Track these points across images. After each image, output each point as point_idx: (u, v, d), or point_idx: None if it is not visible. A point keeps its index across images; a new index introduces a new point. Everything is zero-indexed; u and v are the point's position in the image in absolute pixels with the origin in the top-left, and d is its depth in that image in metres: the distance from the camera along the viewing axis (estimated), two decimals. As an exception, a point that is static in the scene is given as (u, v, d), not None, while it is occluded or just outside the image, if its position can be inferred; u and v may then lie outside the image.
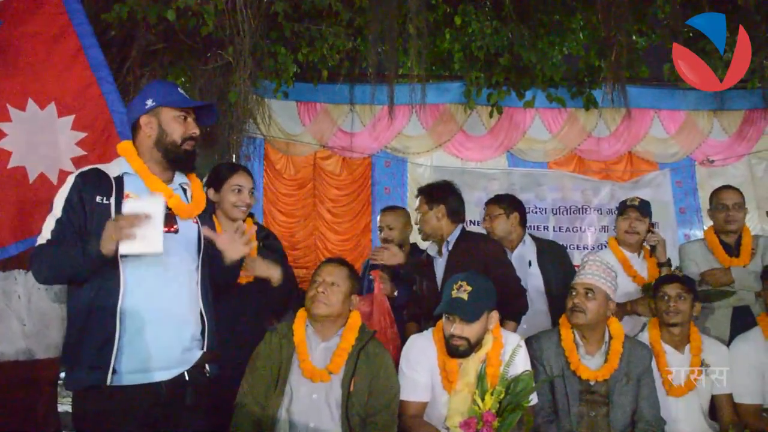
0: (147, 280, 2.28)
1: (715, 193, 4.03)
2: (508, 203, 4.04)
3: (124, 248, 2.15)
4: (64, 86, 3.29)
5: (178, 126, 2.40)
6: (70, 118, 3.28)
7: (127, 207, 2.20)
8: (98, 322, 2.23)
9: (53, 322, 4.18)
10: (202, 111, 2.50)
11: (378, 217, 4.48)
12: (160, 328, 2.28)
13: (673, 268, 3.88)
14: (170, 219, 2.33)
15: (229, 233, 2.50)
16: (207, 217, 2.58)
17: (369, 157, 7.39)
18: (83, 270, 2.23)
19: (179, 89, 2.47)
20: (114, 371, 2.20)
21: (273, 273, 2.95)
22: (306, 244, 7.18)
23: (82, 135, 3.29)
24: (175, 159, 2.42)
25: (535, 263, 3.93)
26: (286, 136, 7.20)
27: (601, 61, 6.65)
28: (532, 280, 3.88)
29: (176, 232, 2.36)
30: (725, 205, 3.91)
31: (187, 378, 2.33)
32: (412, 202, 4.05)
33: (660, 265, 3.86)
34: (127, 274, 2.25)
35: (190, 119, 2.43)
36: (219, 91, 5.59)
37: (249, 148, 6.64)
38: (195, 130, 2.43)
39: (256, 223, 3.39)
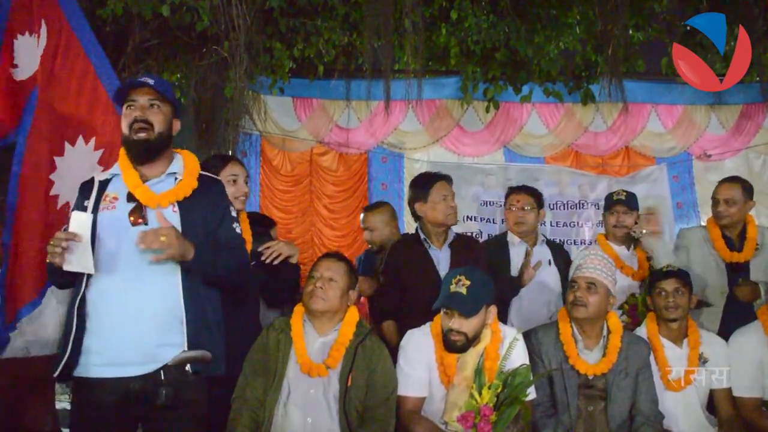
0: (111, 273, 2.29)
1: (717, 186, 3.95)
2: (537, 198, 4.01)
3: (66, 265, 2.24)
4: (84, 113, 3.31)
5: (125, 118, 2.40)
6: (93, 141, 3.31)
7: (72, 220, 2.27)
8: (68, 314, 2.33)
9: (50, 319, 4.16)
10: (158, 88, 2.45)
11: (361, 217, 4.50)
12: (124, 322, 2.27)
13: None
14: (136, 212, 2.35)
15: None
16: (209, 204, 2.50)
17: (365, 153, 7.37)
18: (57, 276, 2.35)
19: (131, 81, 2.48)
20: (77, 363, 2.27)
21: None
22: (303, 240, 7.15)
23: (100, 152, 3.31)
24: (131, 151, 2.42)
25: (553, 263, 3.92)
26: (282, 132, 7.18)
27: (598, 56, 6.62)
28: (550, 279, 3.86)
29: (145, 224, 2.34)
30: (716, 199, 3.86)
31: (162, 376, 2.29)
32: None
33: (650, 258, 3.85)
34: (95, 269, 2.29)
35: (137, 104, 2.39)
36: (215, 87, 5.58)
37: (245, 144, 6.62)
38: (137, 113, 2.38)
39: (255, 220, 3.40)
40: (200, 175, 2.53)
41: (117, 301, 2.28)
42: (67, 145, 3.26)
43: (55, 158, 3.24)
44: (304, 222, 7.26)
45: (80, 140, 3.28)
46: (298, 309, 2.92)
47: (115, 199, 2.39)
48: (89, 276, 2.30)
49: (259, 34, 5.35)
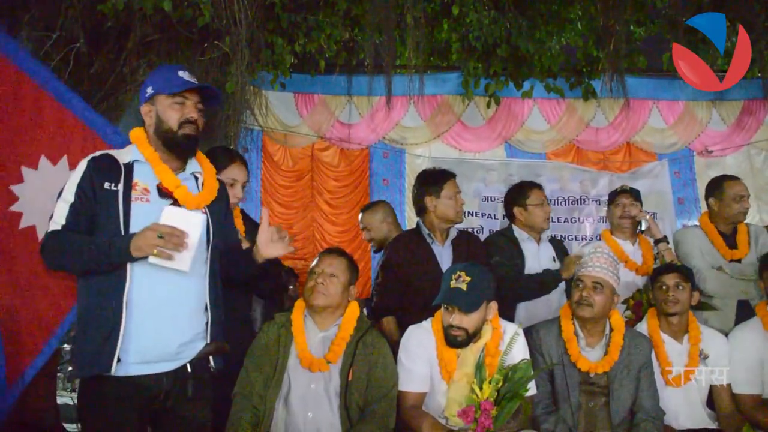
0: (153, 272, 2.24)
1: (727, 184, 3.95)
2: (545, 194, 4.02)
3: (152, 259, 2.16)
4: (44, 134, 3.17)
5: (174, 113, 2.34)
6: (64, 160, 3.17)
7: (167, 215, 2.19)
8: (104, 313, 2.22)
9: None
10: (207, 93, 2.44)
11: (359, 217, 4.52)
12: (164, 320, 2.27)
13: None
14: None
15: (271, 231, 2.45)
16: (223, 206, 2.54)
17: (367, 149, 7.37)
18: (105, 266, 2.21)
19: (179, 72, 2.39)
20: (118, 361, 2.19)
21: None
22: (304, 235, 7.16)
23: None
24: (173, 145, 2.36)
25: (557, 259, 3.92)
26: (283, 128, 7.18)
27: (600, 52, 6.62)
28: None
29: None
30: (742, 196, 3.88)
31: (189, 370, 2.32)
32: (411, 194, 4.03)
33: (657, 241, 3.86)
34: (134, 266, 2.24)
35: (189, 103, 2.37)
36: (216, 82, 5.56)
37: (247, 140, 6.60)
38: (192, 114, 2.36)
39: (246, 218, 3.39)
40: None
41: (154, 299, 2.26)
42: (25, 169, 3.09)
43: (13, 187, 3.06)
44: (305, 217, 7.26)
45: (44, 161, 3.14)
46: (299, 304, 2.93)
47: (146, 191, 2.34)
48: (130, 270, 2.25)
49: (261, 29, 5.34)
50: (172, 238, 2.13)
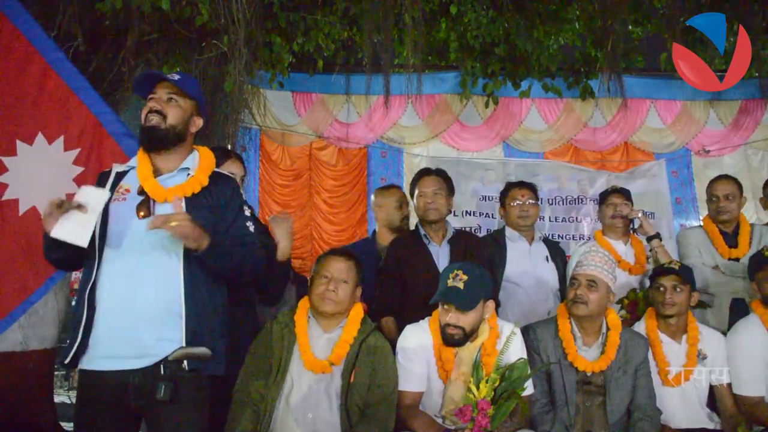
0: (121, 266, 2.30)
1: (710, 184, 4.06)
2: (535, 193, 4.02)
3: (55, 231, 2.22)
4: (45, 111, 3.20)
5: (144, 109, 2.42)
6: (60, 140, 3.21)
7: (79, 192, 2.28)
8: (77, 307, 2.33)
9: (48, 313, 4.18)
10: (183, 85, 2.46)
11: (374, 199, 4.16)
12: (129, 316, 2.27)
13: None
14: (143, 205, 2.34)
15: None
16: (220, 203, 2.46)
17: (365, 148, 7.37)
18: (49, 249, 2.35)
19: (151, 72, 2.47)
20: (81, 354, 2.28)
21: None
22: (302, 234, 7.16)
23: (75, 152, 3.22)
24: (143, 139, 2.43)
25: (550, 259, 3.92)
26: (281, 127, 7.18)
27: (598, 51, 6.63)
28: (548, 276, 3.87)
29: (149, 217, 2.32)
30: (716, 196, 3.94)
31: (162, 371, 2.27)
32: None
33: (650, 238, 3.87)
34: (103, 260, 2.31)
35: (156, 96, 2.42)
36: (214, 81, 5.56)
37: (245, 139, 6.61)
38: (153, 104, 2.40)
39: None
40: (214, 172, 2.50)
41: (117, 294, 2.29)
42: (20, 144, 3.15)
43: (4, 158, 3.12)
44: (303, 216, 7.26)
45: (40, 138, 3.18)
46: (303, 304, 2.91)
47: (127, 191, 2.40)
48: (99, 265, 2.31)
49: (259, 28, 5.34)
50: (57, 204, 2.20)
